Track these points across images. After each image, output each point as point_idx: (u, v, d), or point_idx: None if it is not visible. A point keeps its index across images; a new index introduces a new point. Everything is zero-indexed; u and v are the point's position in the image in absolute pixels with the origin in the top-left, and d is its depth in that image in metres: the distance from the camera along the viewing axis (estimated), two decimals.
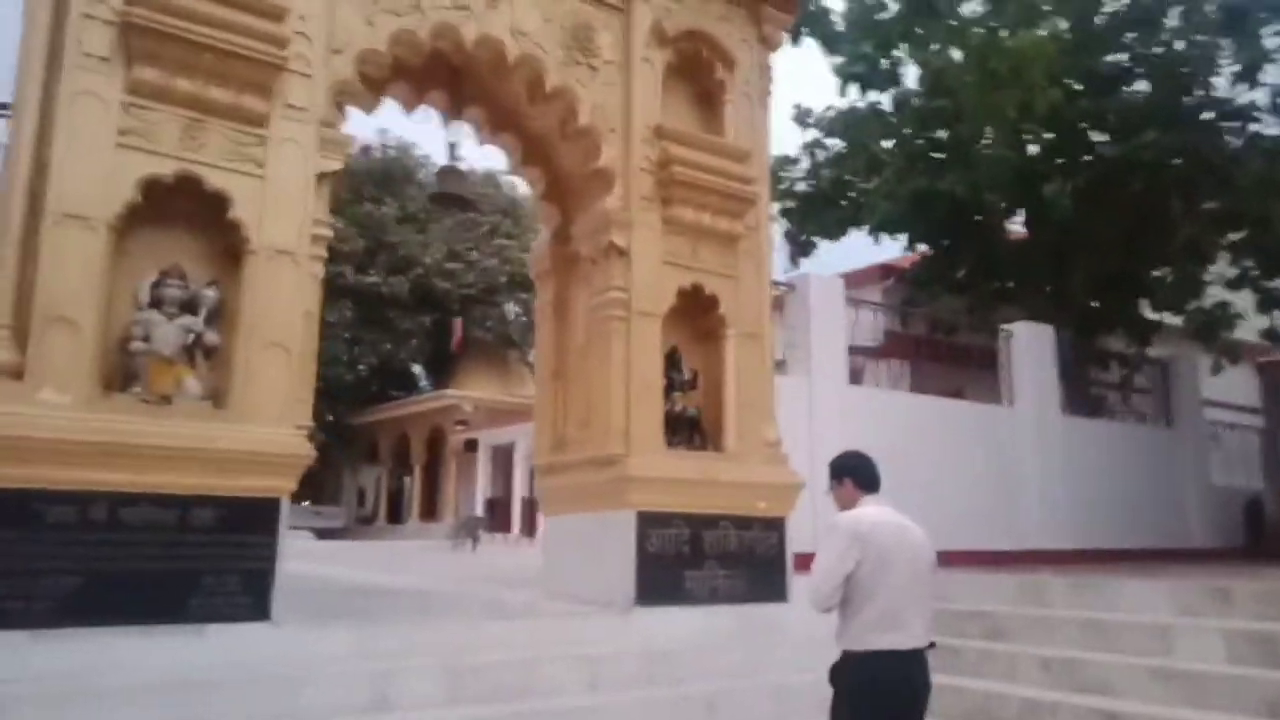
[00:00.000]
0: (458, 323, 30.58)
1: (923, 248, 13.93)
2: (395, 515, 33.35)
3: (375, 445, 34.08)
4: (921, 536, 3.82)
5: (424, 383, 36.39)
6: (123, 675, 4.59)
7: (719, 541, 6.91)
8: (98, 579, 4.75)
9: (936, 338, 12.74)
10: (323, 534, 30.90)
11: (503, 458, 27.20)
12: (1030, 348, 10.88)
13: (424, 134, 34.27)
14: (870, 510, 3.81)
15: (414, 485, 32.27)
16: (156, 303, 5.38)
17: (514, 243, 31.77)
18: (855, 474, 3.95)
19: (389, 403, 32.71)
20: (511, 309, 33.30)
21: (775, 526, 7.19)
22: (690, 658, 6.19)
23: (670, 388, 7.20)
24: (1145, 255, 12.34)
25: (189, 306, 5.47)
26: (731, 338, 7.37)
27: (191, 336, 5.42)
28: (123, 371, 5.25)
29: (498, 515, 25.55)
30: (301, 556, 16.62)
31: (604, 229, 6.92)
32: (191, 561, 5.00)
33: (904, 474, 9.64)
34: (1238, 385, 14.44)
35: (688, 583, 6.70)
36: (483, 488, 27.68)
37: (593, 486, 6.90)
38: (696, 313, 7.50)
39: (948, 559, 9.87)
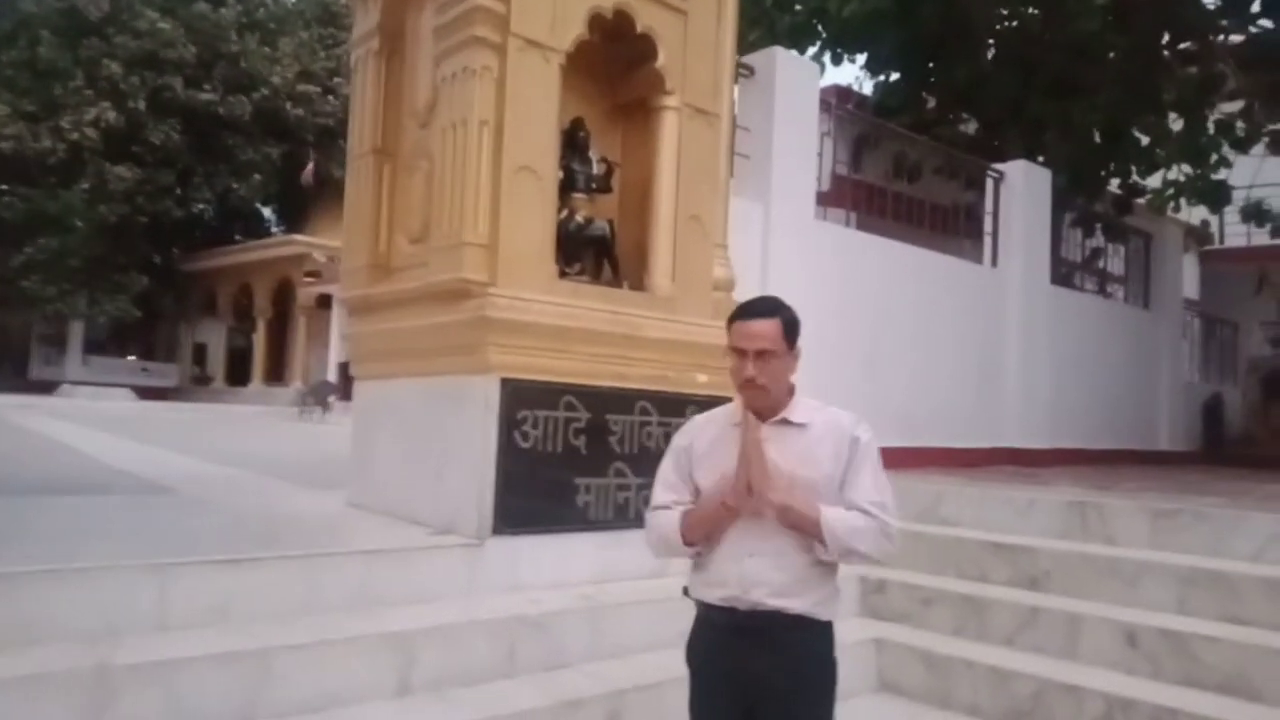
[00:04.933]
0: (311, 157, 26.17)
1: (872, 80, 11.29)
2: (239, 377, 29.49)
3: (214, 295, 29.77)
4: None
5: (276, 228, 31.96)
6: None
7: (633, 433, 4.33)
8: None
9: (887, 188, 10.18)
10: (147, 393, 26.99)
11: None
12: (1025, 195, 8.52)
13: None
14: None
15: (259, 344, 28.41)
16: None
17: None
18: None
19: (229, 246, 28.34)
20: None
21: None
22: (584, 626, 3.66)
23: (568, 184, 4.40)
24: (1147, 101, 10.10)
25: None
26: (672, 111, 4.58)
27: None
28: None
29: (352, 382, 22.37)
30: (71, 418, 13.38)
31: None
32: None
33: (876, 343, 6.93)
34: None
35: (581, 496, 4.13)
36: (336, 350, 24.25)
37: (430, 335, 4.12)
38: (618, 64, 4.67)
39: (923, 458, 7.81)
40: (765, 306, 2.23)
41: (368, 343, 4.69)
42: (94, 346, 29.58)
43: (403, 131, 4.68)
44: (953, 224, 9.56)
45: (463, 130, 3.93)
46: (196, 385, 29.82)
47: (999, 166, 8.69)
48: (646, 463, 4.31)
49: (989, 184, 8.67)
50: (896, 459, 6.88)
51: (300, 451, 9.37)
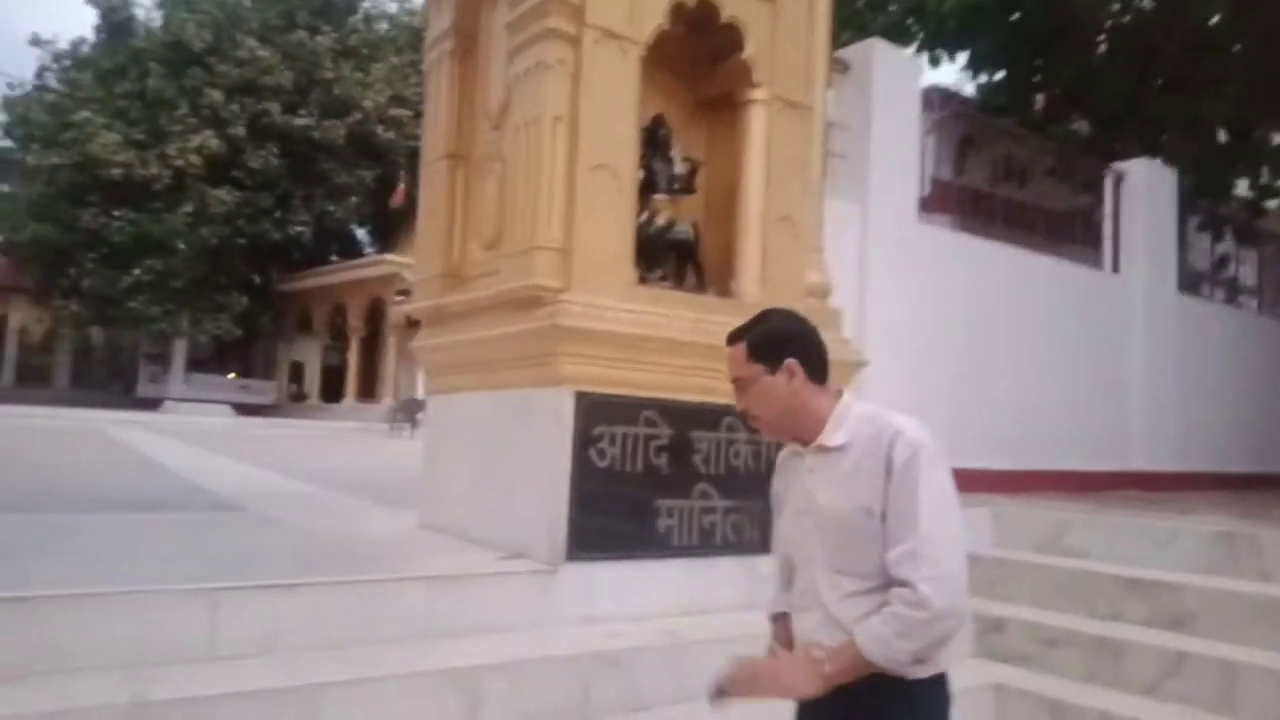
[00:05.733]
0: (401, 179, 26.74)
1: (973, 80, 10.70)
2: (333, 394, 30.24)
3: (309, 315, 30.64)
4: None
5: (369, 249, 32.77)
6: None
7: (720, 451, 3.98)
8: None
9: (995, 192, 9.61)
10: (246, 410, 27.86)
11: None
12: (1148, 195, 7.85)
13: None
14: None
15: (352, 362, 29.05)
16: None
17: None
18: (811, 348, 1.89)
19: (324, 267, 29.12)
20: None
21: None
22: (666, 665, 3.32)
23: (649, 185, 4.10)
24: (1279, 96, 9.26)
25: None
26: (761, 105, 4.24)
27: None
28: None
29: None
30: (167, 433, 13.70)
31: None
32: None
33: (985, 355, 6.37)
34: None
35: (663, 520, 3.79)
36: None
37: (501, 345, 3.87)
38: (701, 57, 4.37)
39: (1036, 481, 7.20)
40: (736, 331, 1.93)
41: (438, 355, 4.47)
42: (196, 364, 30.80)
43: (476, 134, 4.47)
44: (1067, 229, 8.94)
45: (535, 128, 3.68)
46: (293, 402, 30.68)
47: (1120, 165, 8.04)
48: (734, 483, 3.97)
49: (1108, 184, 8.03)
50: (1006, 482, 6.40)
51: (383, 468, 9.32)
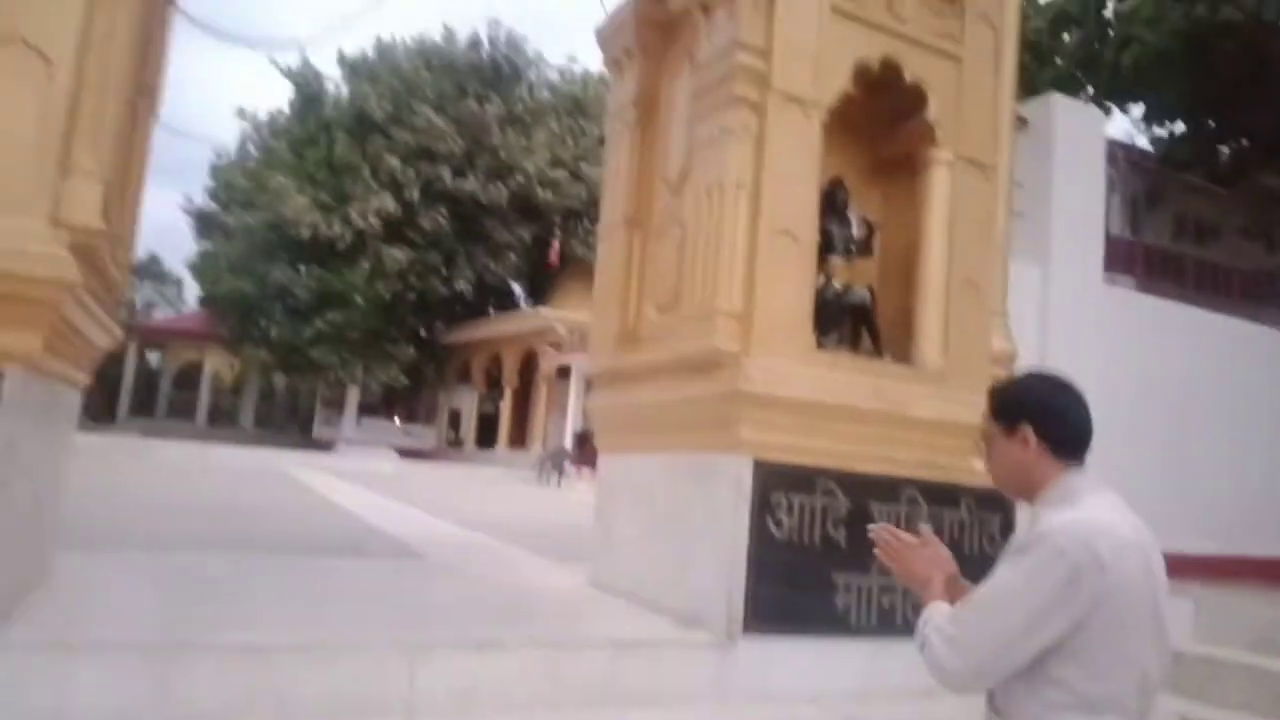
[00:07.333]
0: (556, 238, 27.76)
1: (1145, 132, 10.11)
2: (487, 440, 31.34)
3: (468, 365, 32.01)
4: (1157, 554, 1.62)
5: (524, 303, 34.03)
6: None
7: (900, 525, 3.75)
8: None
9: (1181, 252, 9.00)
10: (408, 454, 29.23)
11: None
12: None
13: (537, 29, 31.30)
14: (1103, 510, 1.61)
15: (505, 410, 30.07)
16: None
17: None
18: (1053, 419, 1.71)
19: (482, 320, 30.42)
20: None
21: (999, 504, 4.00)
22: None
23: (827, 247, 4.06)
24: None
25: None
26: (943, 166, 4.14)
27: None
28: None
29: (587, 449, 22.96)
30: (340, 475, 14.62)
31: None
32: None
33: (1182, 428, 6.01)
34: None
35: (841, 596, 3.66)
36: (573, 418, 25.10)
37: (677, 408, 3.88)
38: (881, 117, 4.31)
39: (1241, 569, 6.56)
40: (994, 384, 1.90)
41: (612, 415, 4.54)
42: (366, 409, 32.68)
43: (654, 199, 4.57)
44: (1264, 289, 8.26)
45: (718, 194, 3.73)
46: (450, 447, 31.97)
47: None
48: None
49: None
50: (1208, 569, 5.84)
51: (538, 517, 9.52)
